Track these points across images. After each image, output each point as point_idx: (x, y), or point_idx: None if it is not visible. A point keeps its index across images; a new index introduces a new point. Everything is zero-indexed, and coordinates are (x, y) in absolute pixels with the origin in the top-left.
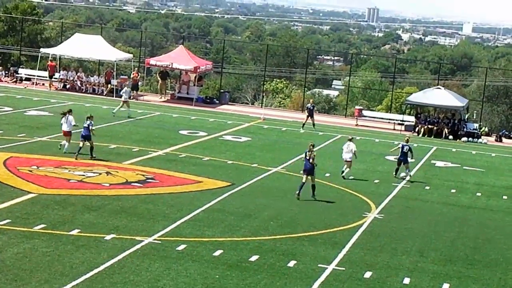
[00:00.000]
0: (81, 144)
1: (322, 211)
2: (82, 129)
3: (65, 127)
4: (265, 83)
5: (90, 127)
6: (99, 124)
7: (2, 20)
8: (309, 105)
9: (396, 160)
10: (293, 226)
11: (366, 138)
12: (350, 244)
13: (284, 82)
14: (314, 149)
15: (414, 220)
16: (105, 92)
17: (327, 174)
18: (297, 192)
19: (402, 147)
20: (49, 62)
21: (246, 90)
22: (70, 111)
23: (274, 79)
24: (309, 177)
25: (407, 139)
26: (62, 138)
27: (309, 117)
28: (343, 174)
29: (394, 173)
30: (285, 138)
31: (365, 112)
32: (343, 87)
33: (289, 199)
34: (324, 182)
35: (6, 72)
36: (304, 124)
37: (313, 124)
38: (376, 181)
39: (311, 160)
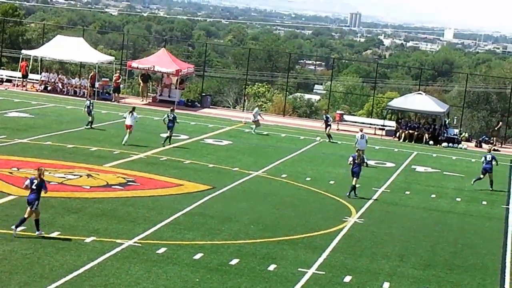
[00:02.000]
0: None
1: (303, 215)
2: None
3: (128, 121)
4: (247, 87)
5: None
6: (80, 127)
7: None
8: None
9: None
10: (274, 230)
11: (347, 143)
12: (330, 248)
13: (266, 86)
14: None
15: (394, 225)
16: (87, 95)
17: (308, 178)
18: (348, 193)
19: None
20: (21, 63)
21: (228, 94)
22: (134, 109)
23: (256, 83)
24: (354, 179)
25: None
26: (47, 139)
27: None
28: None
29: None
30: (266, 142)
31: (346, 117)
32: (324, 91)
33: (270, 202)
34: (305, 186)
35: None
36: (329, 135)
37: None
38: (357, 185)
39: (363, 164)
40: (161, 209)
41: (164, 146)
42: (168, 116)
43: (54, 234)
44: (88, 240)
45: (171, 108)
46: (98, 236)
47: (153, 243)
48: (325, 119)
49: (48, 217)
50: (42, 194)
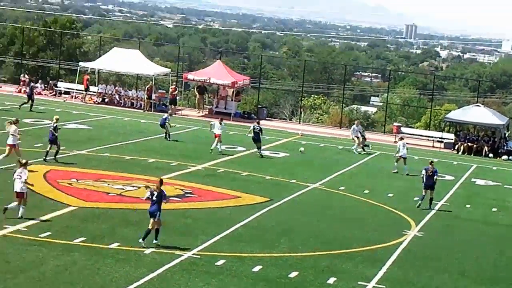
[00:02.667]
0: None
1: (361, 228)
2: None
3: (217, 131)
4: (302, 99)
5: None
6: (138, 139)
7: (42, 34)
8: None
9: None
10: (333, 243)
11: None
12: (390, 261)
13: (322, 98)
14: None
15: (455, 239)
16: (144, 107)
17: (366, 191)
18: (418, 204)
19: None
20: (84, 76)
21: (284, 106)
22: (222, 120)
23: (312, 95)
24: (428, 191)
25: None
26: (105, 150)
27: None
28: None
29: None
30: (323, 155)
31: (403, 129)
32: (381, 103)
33: (328, 215)
34: (363, 199)
35: (46, 85)
36: (363, 146)
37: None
38: (416, 198)
39: (434, 177)
40: (219, 221)
41: (261, 156)
42: (254, 128)
43: (114, 246)
44: (147, 251)
45: (257, 120)
46: (157, 247)
47: (211, 255)
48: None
49: (107, 229)
50: (163, 205)
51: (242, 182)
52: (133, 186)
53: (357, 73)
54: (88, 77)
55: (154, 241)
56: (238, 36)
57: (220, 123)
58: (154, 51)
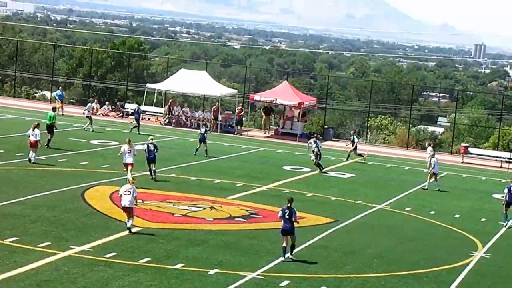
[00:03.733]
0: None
1: (427, 249)
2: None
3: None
4: (369, 119)
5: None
6: (203, 159)
7: (110, 56)
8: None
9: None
10: (398, 264)
11: (472, 176)
12: (456, 283)
13: (389, 119)
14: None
15: None
16: (210, 128)
17: (432, 212)
18: (506, 223)
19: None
20: (171, 100)
21: (350, 126)
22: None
23: (379, 116)
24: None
25: None
26: (171, 171)
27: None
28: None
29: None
30: (389, 175)
31: (471, 150)
32: (448, 124)
33: (393, 236)
34: (429, 220)
35: (113, 107)
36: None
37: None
38: (483, 219)
39: None
40: None
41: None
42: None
43: (178, 266)
44: (211, 272)
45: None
46: (221, 268)
47: (276, 275)
48: (352, 139)
49: (172, 249)
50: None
51: (307, 203)
52: (198, 207)
53: (424, 93)
54: (173, 100)
55: (290, 256)
56: (305, 56)
57: (316, 141)
58: (221, 72)
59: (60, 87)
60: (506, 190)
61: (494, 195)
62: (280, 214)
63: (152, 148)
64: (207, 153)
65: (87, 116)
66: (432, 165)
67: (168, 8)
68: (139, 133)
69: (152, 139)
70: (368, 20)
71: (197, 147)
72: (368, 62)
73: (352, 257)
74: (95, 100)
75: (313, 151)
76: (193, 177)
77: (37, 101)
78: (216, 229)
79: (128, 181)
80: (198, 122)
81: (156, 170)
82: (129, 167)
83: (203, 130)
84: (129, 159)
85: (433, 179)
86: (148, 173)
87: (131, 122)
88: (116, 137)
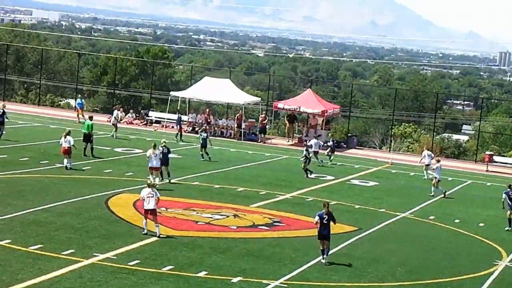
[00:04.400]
0: None
1: (451, 258)
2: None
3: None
4: (393, 127)
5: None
6: (227, 167)
7: (134, 64)
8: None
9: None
10: (421, 273)
11: (497, 185)
12: None
13: (413, 127)
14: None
15: None
16: (234, 136)
17: (456, 220)
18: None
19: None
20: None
21: (374, 134)
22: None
23: (403, 123)
24: None
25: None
26: (194, 179)
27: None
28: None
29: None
30: (413, 183)
31: (496, 158)
32: (473, 132)
33: (417, 245)
34: (453, 228)
35: (137, 115)
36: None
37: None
38: (507, 228)
39: None
40: (307, 249)
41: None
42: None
43: (201, 274)
44: (234, 280)
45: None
46: (244, 276)
47: (299, 284)
48: (332, 143)
49: (195, 257)
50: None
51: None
52: (221, 215)
53: (448, 101)
54: (209, 111)
55: (323, 260)
56: (329, 64)
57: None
58: (244, 80)
59: (80, 96)
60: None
61: None
62: (317, 219)
63: (166, 151)
64: (203, 157)
65: (113, 124)
66: (434, 170)
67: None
68: (181, 140)
69: (164, 142)
70: (392, 27)
71: (201, 153)
72: (392, 70)
73: (375, 265)
74: (121, 108)
75: (305, 156)
76: (216, 185)
77: (61, 109)
78: (240, 237)
79: (148, 185)
80: (222, 130)
81: (180, 178)
82: (154, 171)
83: (204, 135)
84: (155, 163)
85: (439, 186)
86: (166, 179)
87: (155, 130)
88: (140, 145)
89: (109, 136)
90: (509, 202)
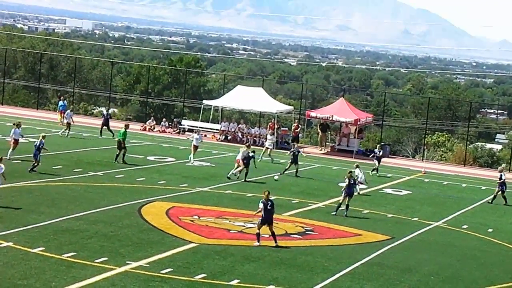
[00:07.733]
0: None
1: (484, 267)
2: None
3: None
4: (426, 136)
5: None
6: (259, 176)
7: (167, 73)
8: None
9: None
10: (455, 282)
11: None
12: None
13: (446, 136)
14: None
15: None
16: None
17: (490, 230)
18: None
19: None
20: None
21: (407, 143)
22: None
23: (436, 132)
24: None
25: None
26: (227, 187)
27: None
28: None
29: None
30: (446, 193)
31: None
32: (507, 141)
33: (450, 254)
34: (487, 238)
35: (170, 123)
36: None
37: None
38: None
39: None
40: (340, 258)
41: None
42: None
43: (234, 282)
44: None
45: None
46: (277, 284)
47: None
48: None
49: (227, 265)
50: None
51: (363, 220)
52: (254, 224)
53: (482, 110)
54: (297, 125)
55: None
56: (362, 73)
57: None
58: (277, 88)
59: (62, 97)
60: None
61: None
62: (261, 206)
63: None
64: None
65: (67, 123)
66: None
67: (225, 25)
68: None
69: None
70: (425, 36)
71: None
72: (425, 78)
73: (408, 274)
74: (152, 117)
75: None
76: (248, 193)
77: (94, 117)
78: (272, 245)
79: None
80: (254, 138)
81: (213, 187)
82: None
83: (199, 138)
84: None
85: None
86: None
87: (187, 138)
88: (172, 153)
89: (59, 135)
90: None
